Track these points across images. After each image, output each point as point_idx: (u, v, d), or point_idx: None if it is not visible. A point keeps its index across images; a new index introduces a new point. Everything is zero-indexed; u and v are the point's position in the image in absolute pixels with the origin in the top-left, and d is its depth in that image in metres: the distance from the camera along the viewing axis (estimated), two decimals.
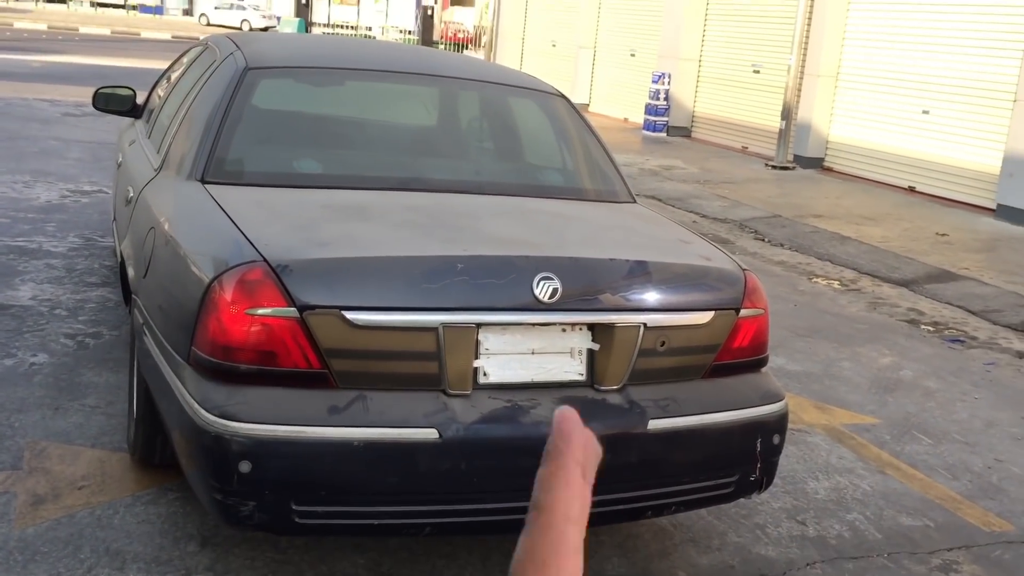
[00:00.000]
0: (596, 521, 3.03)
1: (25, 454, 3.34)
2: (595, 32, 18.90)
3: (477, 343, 2.58)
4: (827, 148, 13.10)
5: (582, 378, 2.71)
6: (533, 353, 2.66)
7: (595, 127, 4.00)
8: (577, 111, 3.98)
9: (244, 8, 44.72)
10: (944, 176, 11.26)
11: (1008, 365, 5.66)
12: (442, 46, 35.31)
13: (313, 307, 2.44)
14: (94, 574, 2.72)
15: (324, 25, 45.51)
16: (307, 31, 35.45)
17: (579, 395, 2.68)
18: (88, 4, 47.06)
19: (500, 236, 2.92)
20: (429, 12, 38.47)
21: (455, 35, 38.00)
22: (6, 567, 2.71)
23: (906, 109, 11.82)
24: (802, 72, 12.98)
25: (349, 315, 2.45)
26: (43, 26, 31.86)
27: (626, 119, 17.63)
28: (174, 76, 4.49)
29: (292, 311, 2.43)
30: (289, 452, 2.40)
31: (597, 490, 2.94)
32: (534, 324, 2.65)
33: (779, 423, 2.94)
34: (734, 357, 2.92)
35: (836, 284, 7.32)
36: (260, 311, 2.43)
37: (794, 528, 3.43)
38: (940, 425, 4.59)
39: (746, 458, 2.87)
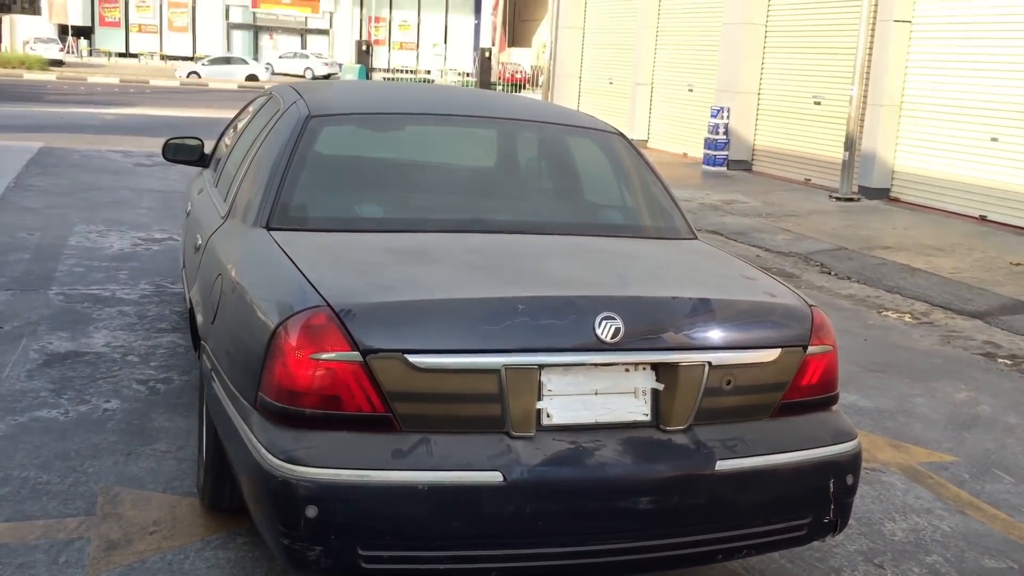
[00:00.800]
0: (666, 565, 2.96)
1: (98, 499, 3.41)
2: (652, 68, 18.94)
3: (540, 384, 2.56)
4: (893, 178, 12.88)
5: (647, 419, 2.67)
6: (596, 394, 2.64)
7: (654, 163, 3.98)
8: (635, 148, 3.97)
9: (307, 56, 45.87)
10: (1016, 204, 10.98)
11: None
12: (500, 87, 35.70)
13: (376, 351, 2.45)
14: None
15: (384, 70, 46.43)
16: (368, 77, 36.15)
17: (644, 436, 2.64)
18: (158, 57, 48.68)
19: (561, 276, 2.91)
20: (487, 54, 38.99)
21: (512, 76, 38.44)
22: None
23: (974, 137, 11.58)
24: (865, 102, 12.82)
25: (412, 358, 2.46)
26: (115, 80, 33.05)
27: (685, 154, 17.58)
28: (240, 125, 4.61)
29: (356, 355, 2.45)
30: (355, 497, 2.40)
31: (667, 533, 2.86)
32: (597, 364, 2.62)
33: (852, 462, 2.86)
34: (803, 395, 2.86)
35: (907, 317, 7.15)
36: (324, 356, 2.45)
37: (871, 571, 3.32)
38: (1021, 463, 4.43)
39: (819, 499, 2.79)
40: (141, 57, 47.92)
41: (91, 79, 32.82)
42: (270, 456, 2.44)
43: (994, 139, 11.31)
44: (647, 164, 3.90)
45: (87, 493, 3.45)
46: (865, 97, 12.82)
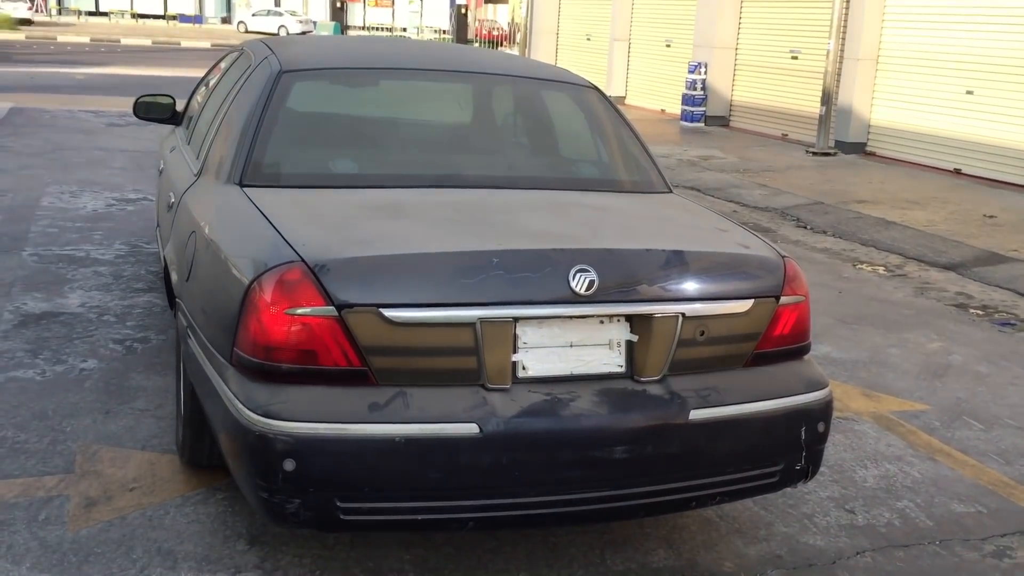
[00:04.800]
0: (640, 512, 3.01)
1: (77, 458, 3.41)
2: (629, 24, 18.80)
3: (515, 337, 2.58)
4: (869, 133, 12.91)
5: (621, 370, 2.70)
6: (571, 346, 2.66)
7: (630, 119, 3.98)
8: (611, 103, 3.96)
9: (281, 14, 45.15)
10: (990, 157, 11.05)
11: None
12: (477, 44, 35.36)
13: (351, 305, 2.46)
14: (146, 574, 2.77)
15: (360, 28, 45.83)
16: (343, 34, 35.67)
17: (619, 387, 2.67)
18: (129, 16, 47.80)
19: (536, 230, 2.91)
20: (463, 11, 38.55)
21: (489, 32, 38.05)
22: (61, 568, 2.77)
23: (949, 90, 11.62)
24: (841, 56, 12.81)
25: (387, 312, 2.47)
26: (86, 39, 32.47)
27: (663, 110, 17.53)
28: (211, 82, 4.55)
29: (331, 310, 2.45)
30: (332, 450, 2.42)
31: (642, 481, 2.90)
32: (571, 317, 2.64)
33: (824, 411, 2.90)
34: (775, 345, 2.89)
35: (881, 270, 7.22)
36: (299, 311, 2.46)
37: (843, 517, 3.39)
38: (991, 410, 4.51)
39: (791, 447, 2.84)
40: (112, 16, 47.03)
41: (61, 38, 32.22)
42: (247, 411, 2.46)
43: (969, 92, 11.34)
44: (622, 118, 3.89)
45: (65, 452, 3.45)
46: (842, 51, 12.80)
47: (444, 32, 43.79)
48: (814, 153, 12.78)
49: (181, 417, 3.31)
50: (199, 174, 3.53)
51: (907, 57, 12.28)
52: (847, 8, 12.70)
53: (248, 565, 2.84)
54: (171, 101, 5.05)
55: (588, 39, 20.74)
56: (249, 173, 3.16)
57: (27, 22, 37.54)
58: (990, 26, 11.05)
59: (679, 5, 17.10)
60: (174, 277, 3.40)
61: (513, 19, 37.73)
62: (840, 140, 12.95)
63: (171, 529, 3.00)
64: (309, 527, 2.54)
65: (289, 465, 2.40)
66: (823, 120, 12.82)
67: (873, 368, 4.99)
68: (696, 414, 2.66)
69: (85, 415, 3.75)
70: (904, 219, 8.79)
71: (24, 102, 13.40)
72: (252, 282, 2.53)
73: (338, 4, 41.10)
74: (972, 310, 6.25)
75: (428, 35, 44.18)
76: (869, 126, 12.90)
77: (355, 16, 48.24)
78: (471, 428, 2.47)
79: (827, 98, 12.74)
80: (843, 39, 12.75)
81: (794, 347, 2.96)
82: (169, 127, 5.19)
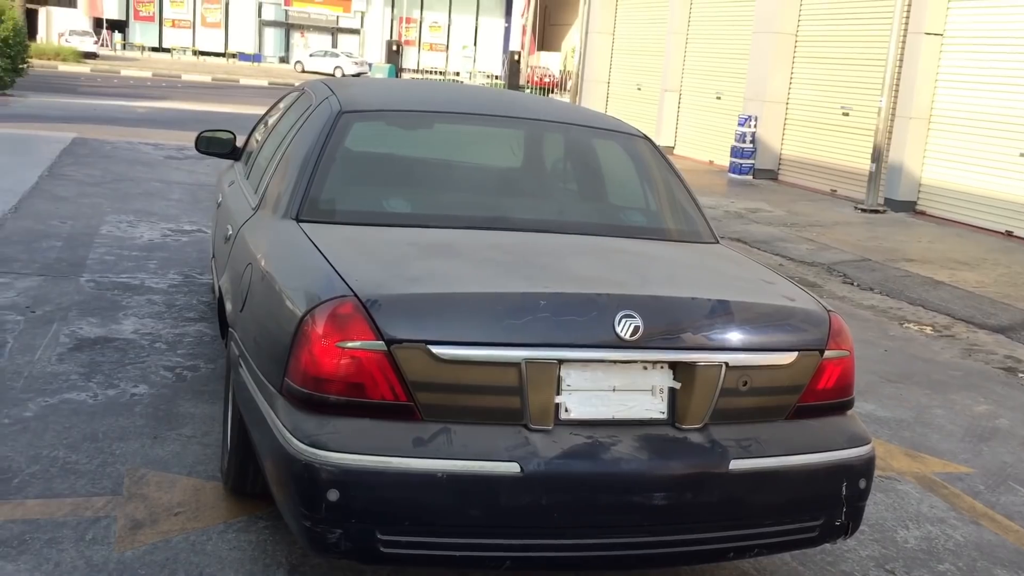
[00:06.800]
0: (678, 560, 2.99)
1: (125, 480, 3.49)
2: (680, 75, 18.94)
3: (559, 379, 2.61)
4: (919, 191, 12.83)
5: (663, 416, 2.72)
6: (614, 390, 2.69)
7: (679, 168, 4.02)
8: (660, 152, 4.01)
9: (337, 55, 46.11)
10: None
11: None
12: (528, 90, 35.78)
13: (400, 341, 2.52)
14: None
15: (414, 71, 46.62)
16: (397, 77, 36.31)
17: (660, 433, 2.69)
18: (190, 53, 49.13)
19: (583, 274, 2.96)
20: (516, 57, 39.06)
21: (541, 79, 38.47)
22: None
23: (1002, 151, 11.53)
24: (893, 114, 12.78)
25: (435, 349, 2.52)
26: (148, 74, 33.41)
27: (711, 162, 17.56)
28: (272, 120, 4.69)
29: (380, 344, 2.51)
30: (375, 482, 2.46)
31: (680, 529, 2.88)
32: (615, 361, 2.67)
33: (866, 467, 2.89)
34: (818, 399, 2.89)
35: (928, 330, 7.14)
36: (350, 344, 2.52)
37: None
38: None
39: (831, 502, 2.82)
40: (174, 52, 48.38)
41: (124, 72, 33.19)
42: (294, 440, 2.51)
43: (1023, 154, 11.24)
44: (671, 167, 3.94)
45: (114, 474, 3.54)
46: (894, 109, 12.78)
47: (496, 77, 44.39)
48: (863, 210, 12.72)
49: (227, 445, 3.38)
50: (257, 208, 3.63)
51: (960, 117, 12.22)
52: (900, 66, 12.70)
53: None
54: (231, 136, 5.20)
55: (639, 89, 20.91)
56: (306, 209, 3.25)
57: (92, 56, 38.72)
58: None
59: (731, 58, 17.21)
60: (228, 307, 3.48)
61: (565, 67, 38.15)
62: (890, 198, 12.88)
63: (213, 555, 3.05)
64: (349, 558, 2.57)
65: (333, 495, 2.45)
66: (873, 177, 12.76)
67: (917, 428, 4.93)
68: (736, 464, 2.67)
69: (134, 439, 3.84)
70: (953, 279, 8.69)
71: (87, 133, 13.81)
72: (305, 314, 2.60)
73: (394, 47, 41.89)
74: (1021, 374, 6.15)
75: (480, 80, 44.82)
76: (920, 185, 12.82)
77: (409, 59, 49.14)
78: (512, 467, 2.50)
79: (877, 155, 12.70)
80: (895, 97, 12.74)
81: (837, 401, 2.96)
82: (228, 162, 5.34)
